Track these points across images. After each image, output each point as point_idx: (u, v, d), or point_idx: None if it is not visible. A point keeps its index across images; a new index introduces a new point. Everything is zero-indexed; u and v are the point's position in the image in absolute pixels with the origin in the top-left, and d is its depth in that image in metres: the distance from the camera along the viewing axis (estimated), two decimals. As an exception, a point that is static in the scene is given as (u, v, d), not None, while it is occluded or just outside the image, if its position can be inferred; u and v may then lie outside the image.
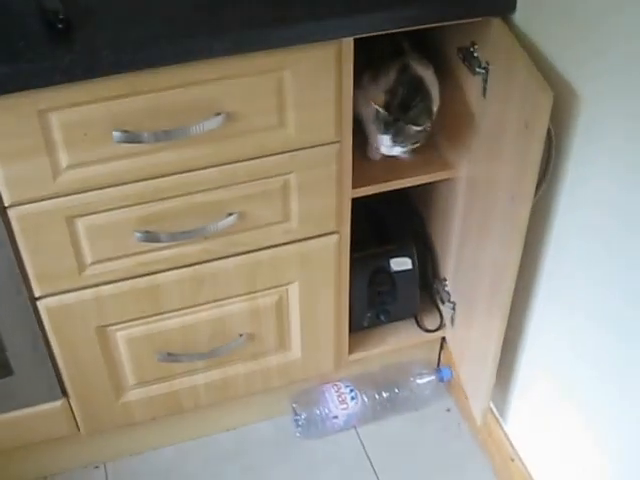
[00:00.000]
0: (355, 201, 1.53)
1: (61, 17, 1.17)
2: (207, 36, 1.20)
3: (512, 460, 1.75)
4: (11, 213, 1.30)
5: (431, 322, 1.86)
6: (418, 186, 1.61)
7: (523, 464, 1.72)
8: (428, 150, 1.57)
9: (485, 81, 1.39)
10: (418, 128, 1.43)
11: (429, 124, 1.44)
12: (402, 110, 1.43)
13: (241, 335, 1.60)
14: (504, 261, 1.46)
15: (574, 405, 1.50)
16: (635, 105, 1.15)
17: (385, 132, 1.44)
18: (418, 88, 1.45)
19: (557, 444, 1.59)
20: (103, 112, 1.22)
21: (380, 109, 1.41)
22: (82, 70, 1.16)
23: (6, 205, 1.29)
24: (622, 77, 1.16)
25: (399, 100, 1.43)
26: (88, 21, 1.21)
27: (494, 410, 1.80)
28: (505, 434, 1.78)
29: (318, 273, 1.57)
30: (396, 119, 1.42)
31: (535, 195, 1.35)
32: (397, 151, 1.47)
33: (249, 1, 1.27)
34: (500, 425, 1.79)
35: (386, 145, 1.46)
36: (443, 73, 1.51)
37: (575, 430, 1.51)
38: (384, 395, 1.88)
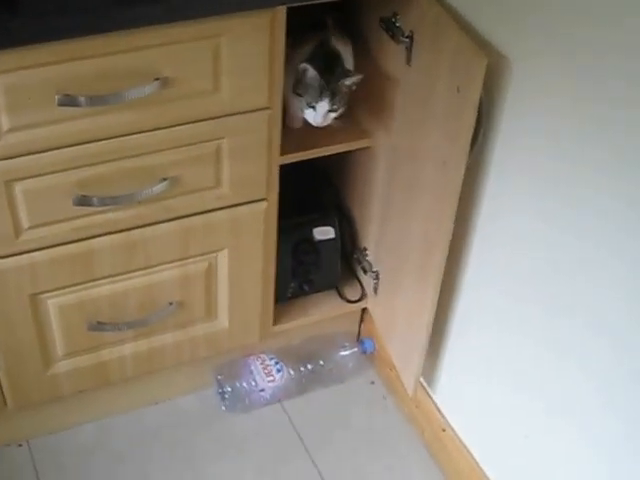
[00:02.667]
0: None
1: (7, -17, 1.34)
2: (148, 3, 1.38)
3: (443, 430, 1.90)
4: (-51, 179, 1.45)
5: (352, 293, 2.06)
6: (333, 156, 1.79)
7: (455, 434, 1.88)
8: (349, 119, 1.77)
9: (409, 49, 1.59)
10: (353, 79, 1.64)
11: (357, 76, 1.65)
12: (327, 72, 1.64)
13: (171, 304, 1.78)
14: (436, 228, 1.60)
15: (504, 372, 1.66)
16: (560, 67, 1.33)
17: (321, 98, 1.63)
18: (335, 60, 1.67)
19: (489, 411, 1.75)
20: (48, 76, 1.39)
21: (310, 68, 1.61)
22: (29, 35, 1.33)
23: (-55, 171, 1.44)
24: (547, 38, 1.34)
25: (318, 67, 1.63)
26: (33, -13, 1.37)
27: (422, 381, 1.94)
28: (435, 405, 1.94)
29: (247, 240, 1.76)
30: (327, 81, 1.62)
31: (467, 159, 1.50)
32: (331, 118, 1.67)
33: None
34: (429, 396, 1.95)
35: (322, 113, 1.65)
36: (365, 43, 1.71)
37: (506, 396, 1.67)
38: (309, 367, 2.05)
